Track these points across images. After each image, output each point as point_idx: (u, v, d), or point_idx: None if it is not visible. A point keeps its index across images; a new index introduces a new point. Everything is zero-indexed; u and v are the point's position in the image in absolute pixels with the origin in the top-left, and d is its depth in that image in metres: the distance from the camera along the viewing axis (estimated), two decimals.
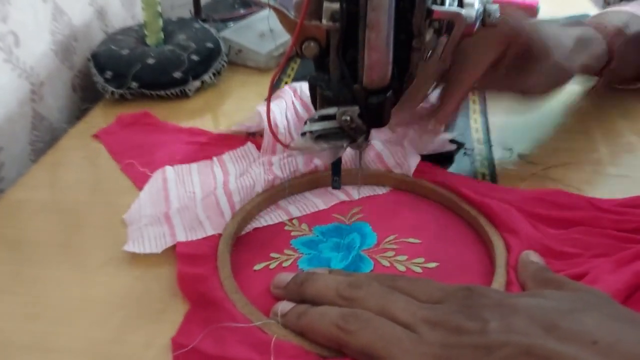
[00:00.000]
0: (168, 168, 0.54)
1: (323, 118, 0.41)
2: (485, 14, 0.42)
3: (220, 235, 0.45)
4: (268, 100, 0.43)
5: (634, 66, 0.60)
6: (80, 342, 0.38)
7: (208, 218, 0.46)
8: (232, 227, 0.46)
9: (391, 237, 0.46)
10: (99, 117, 0.65)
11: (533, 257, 0.41)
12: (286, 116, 0.57)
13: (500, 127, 0.61)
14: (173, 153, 0.57)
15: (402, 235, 0.46)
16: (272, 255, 0.45)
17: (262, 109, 0.57)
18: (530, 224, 0.45)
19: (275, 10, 0.39)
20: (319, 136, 0.41)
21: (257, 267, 0.43)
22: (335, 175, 0.47)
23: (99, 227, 0.48)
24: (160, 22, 0.72)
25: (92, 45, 0.74)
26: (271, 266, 0.44)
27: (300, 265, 0.44)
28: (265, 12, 0.80)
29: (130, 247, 0.45)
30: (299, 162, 0.52)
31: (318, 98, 0.41)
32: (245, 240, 0.46)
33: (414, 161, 0.52)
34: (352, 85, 0.39)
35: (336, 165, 0.46)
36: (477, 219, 0.46)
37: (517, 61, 0.49)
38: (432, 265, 0.43)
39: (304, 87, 0.61)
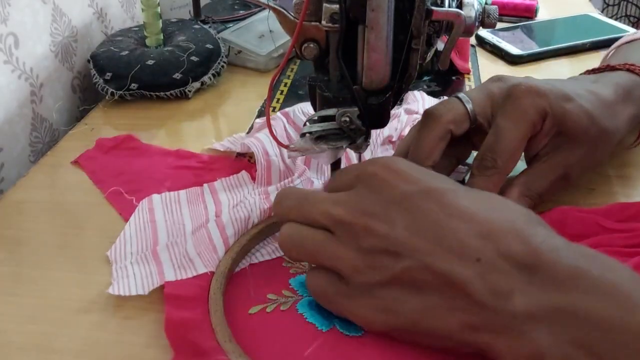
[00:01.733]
0: (155, 197, 0.50)
1: (322, 119, 0.41)
2: (484, 15, 0.42)
3: (212, 273, 0.41)
4: (268, 101, 0.43)
5: None
6: (80, 343, 0.38)
7: (199, 255, 0.42)
8: (226, 264, 0.42)
9: None
10: (99, 118, 0.65)
11: None
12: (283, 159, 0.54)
13: None
14: (161, 179, 0.53)
15: None
16: (269, 296, 0.41)
17: (248, 140, 0.54)
18: None
19: (275, 11, 0.39)
20: (319, 137, 0.41)
21: (252, 310, 0.39)
22: None
23: (99, 228, 0.48)
24: (160, 24, 0.72)
25: (91, 46, 0.74)
26: (268, 309, 0.40)
27: (300, 309, 0.39)
28: (265, 13, 0.80)
29: (115, 289, 0.41)
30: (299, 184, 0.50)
31: (317, 99, 0.41)
32: (240, 278, 0.42)
33: None
34: (352, 86, 0.39)
35: (336, 166, 0.46)
36: None
37: (553, 144, 0.45)
38: None
39: (296, 110, 0.58)
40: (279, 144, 0.44)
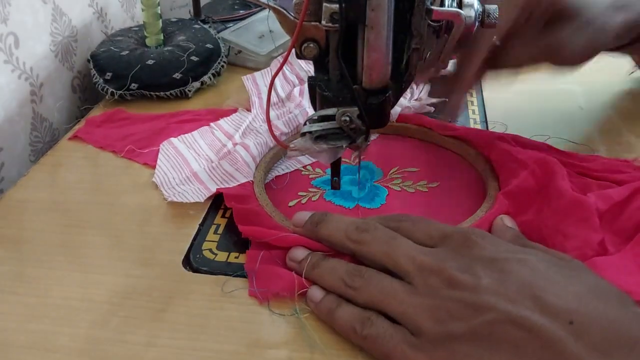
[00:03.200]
0: (173, 139, 0.57)
1: (322, 118, 0.41)
2: (484, 14, 0.42)
3: (252, 182, 0.50)
4: (267, 100, 0.43)
5: None
6: (80, 342, 0.38)
7: (237, 170, 0.51)
8: (260, 175, 0.52)
9: (394, 169, 0.54)
10: None
11: (508, 222, 0.43)
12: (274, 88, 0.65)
13: (498, 107, 0.63)
14: (167, 134, 0.59)
15: (402, 166, 0.54)
16: (300, 193, 0.51)
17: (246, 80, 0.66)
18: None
19: (275, 11, 0.39)
20: (319, 137, 0.41)
21: (291, 203, 0.50)
22: (335, 176, 0.47)
23: (99, 227, 0.48)
24: (160, 23, 0.72)
25: (91, 46, 0.74)
26: (303, 201, 0.50)
27: (327, 198, 0.51)
28: (265, 13, 0.80)
29: (173, 198, 0.49)
30: (299, 117, 0.59)
31: (317, 98, 0.41)
32: (271, 186, 0.52)
33: (396, 111, 0.59)
34: (352, 86, 0.39)
35: (335, 165, 0.46)
36: (458, 145, 0.55)
37: (546, 25, 0.49)
38: (435, 184, 0.52)
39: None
40: (279, 143, 0.45)
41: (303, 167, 0.55)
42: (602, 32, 0.49)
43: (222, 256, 0.44)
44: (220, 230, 0.47)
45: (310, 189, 0.52)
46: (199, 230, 0.47)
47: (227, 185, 0.50)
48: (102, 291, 0.42)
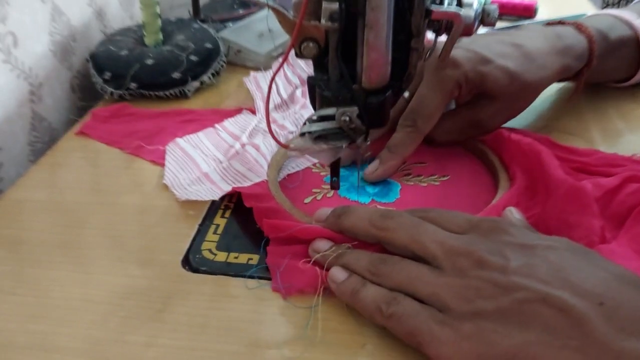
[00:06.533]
0: (179, 140, 0.57)
1: (322, 118, 0.41)
2: (484, 14, 0.42)
3: (266, 181, 0.50)
4: (267, 100, 0.43)
5: (610, 71, 0.60)
6: (80, 342, 0.38)
7: (250, 170, 0.52)
8: (273, 174, 0.52)
9: (403, 164, 0.53)
10: None
11: (516, 214, 0.43)
12: (277, 90, 0.66)
13: None
14: (171, 132, 0.59)
15: (410, 161, 0.54)
16: (314, 190, 0.51)
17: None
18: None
19: (274, 10, 0.39)
20: (318, 137, 0.41)
21: (306, 200, 0.50)
22: (334, 176, 0.47)
23: (99, 227, 0.48)
24: (159, 23, 0.72)
25: (90, 45, 0.74)
26: (318, 197, 0.50)
27: (341, 193, 0.50)
28: (264, 13, 0.80)
29: (186, 197, 0.49)
30: (305, 116, 0.57)
31: (317, 98, 0.41)
32: (284, 184, 0.52)
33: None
34: (351, 86, 0.39)
35: (335, 165, 0.46)
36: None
37: (470, 102, 0.52)
38: (446, 178, 0.52)
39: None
40: (279, 143, 0.44)
41: (313, 164, 0.55)
42: (538, 86, 0.52)
43: (221, 256, 0.44)
44: (219, 231, 0.47)
45: (323, 186, 0.52)
46: (198, 230, 0.47)
47: (241, 185, 0.50)
48: (101, 291, 0.42)
